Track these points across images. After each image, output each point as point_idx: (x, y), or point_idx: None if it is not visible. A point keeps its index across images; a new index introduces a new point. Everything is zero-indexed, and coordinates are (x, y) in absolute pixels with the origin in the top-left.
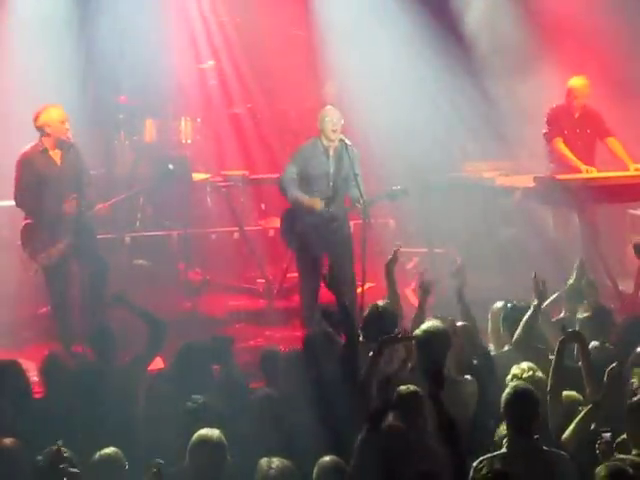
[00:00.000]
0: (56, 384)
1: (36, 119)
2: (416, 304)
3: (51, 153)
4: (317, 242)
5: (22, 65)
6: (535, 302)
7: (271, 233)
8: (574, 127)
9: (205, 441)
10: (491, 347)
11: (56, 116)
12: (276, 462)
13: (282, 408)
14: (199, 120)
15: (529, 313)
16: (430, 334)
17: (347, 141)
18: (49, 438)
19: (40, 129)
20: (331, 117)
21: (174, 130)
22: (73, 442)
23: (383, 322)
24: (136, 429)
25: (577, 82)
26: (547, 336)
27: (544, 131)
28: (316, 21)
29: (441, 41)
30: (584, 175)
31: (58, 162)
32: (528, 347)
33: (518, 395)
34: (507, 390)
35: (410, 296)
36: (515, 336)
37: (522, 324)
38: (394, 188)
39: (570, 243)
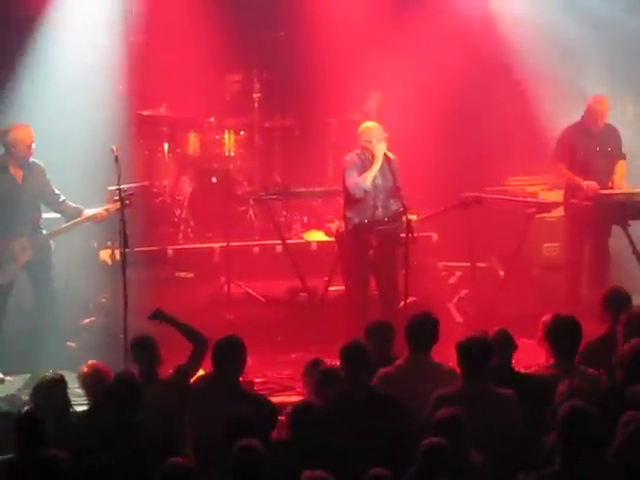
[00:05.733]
0: (97, 397)
1: (4, 135)
2: (458, 319)
3: (12, 172)
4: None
5: (66, 75)
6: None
7: (313, 246)
8: (594, 145)
9: (245, 450)
10: None
11: (24, 138)
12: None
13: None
14: (242, 133)
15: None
16: (472, 341)
17: (390, 155)
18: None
19: (4, 146)
20: (371, 133)
21: (217, 143)
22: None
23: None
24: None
25: (597, 100)
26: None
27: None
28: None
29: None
30: (628, 190)
31: (19, 181)
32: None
33: (575, 415)
34: (563, 408)
35: (452, 310)
36: None
37: None
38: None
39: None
